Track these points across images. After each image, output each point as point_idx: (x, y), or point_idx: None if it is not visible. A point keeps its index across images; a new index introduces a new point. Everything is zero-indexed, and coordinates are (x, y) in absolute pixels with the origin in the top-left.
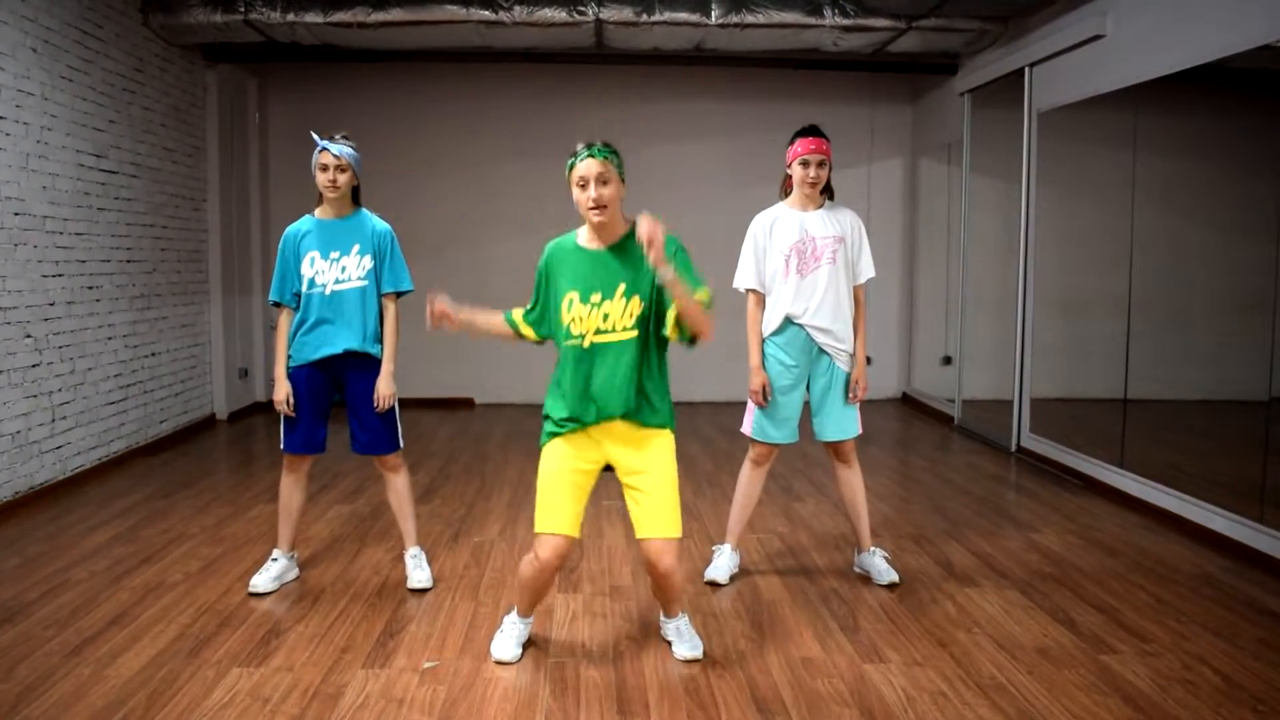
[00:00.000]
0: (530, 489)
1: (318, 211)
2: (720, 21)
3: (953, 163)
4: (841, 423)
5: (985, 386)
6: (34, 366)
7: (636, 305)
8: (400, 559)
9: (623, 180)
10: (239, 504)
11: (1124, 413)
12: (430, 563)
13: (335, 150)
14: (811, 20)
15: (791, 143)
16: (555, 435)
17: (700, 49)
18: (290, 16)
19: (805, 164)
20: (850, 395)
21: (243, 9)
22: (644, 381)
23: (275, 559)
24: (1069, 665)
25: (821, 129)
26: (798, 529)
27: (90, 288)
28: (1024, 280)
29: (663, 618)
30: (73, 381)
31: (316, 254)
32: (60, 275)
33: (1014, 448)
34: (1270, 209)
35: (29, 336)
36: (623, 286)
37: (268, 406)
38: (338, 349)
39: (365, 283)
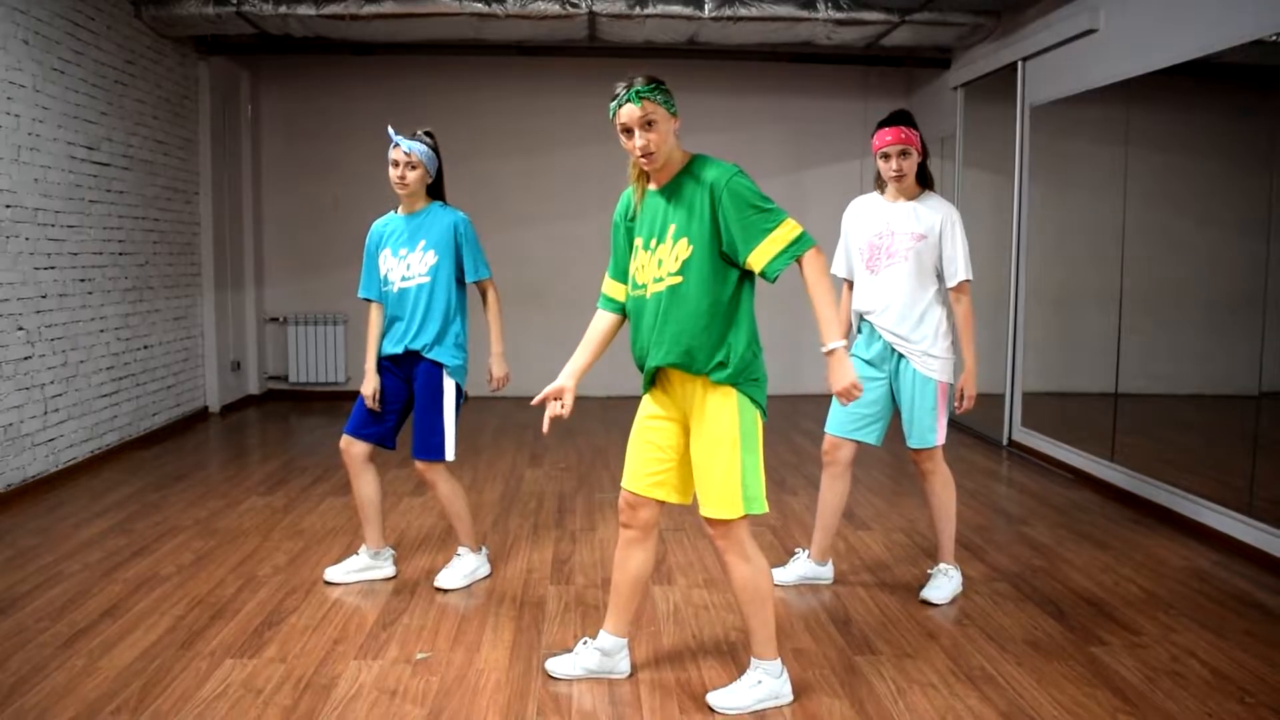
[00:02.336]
0: (520, 481)
1: (399, 207)
2: (713, 15)
3: (945, 157)
4: (916, 429)
5: (974, 388)
6: (26, 359)
7: (684, 248)
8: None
9: (674, 114)
10: (232, 497)
11: (1115, 407)
12: (421, 555)
13: (405, 146)
14: (804, 14)
15: (873, 135)
16: (644, 391)
17: (694, 42)
18: (282, 9)
19: (885, 156)
20: (958, 404)
21: (235, 1)
22: (694, 330)
23: (358, 554)
24: (1058, 657)
25: (906, 114)
26: (789, 521)
27: (82, 280)
28: (1016, 274)
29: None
30: (65, 374)
31: (388, 251)
32: (52, 268)
33: (1005, 441)
34: (1261, 204)
35: (21, 329)
36: (673, 228)
37: (260, 399)
38: (399, 349)
39: (428, 279)
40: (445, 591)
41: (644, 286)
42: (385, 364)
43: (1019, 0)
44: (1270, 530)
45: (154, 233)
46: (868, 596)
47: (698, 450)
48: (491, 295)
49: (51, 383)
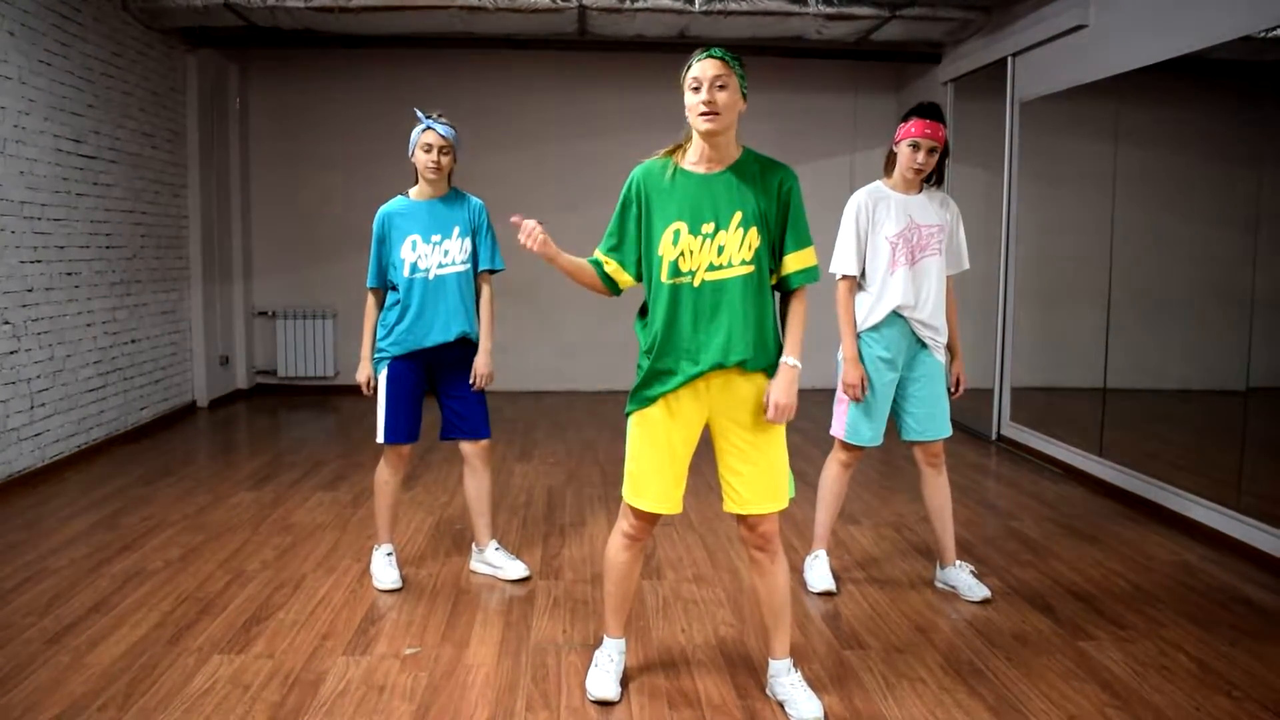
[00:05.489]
0: (510, 476)
1: (412, 192)
2: (704, 8)
3: None
4: (940, 420)
5: (966, 375)
6: (12, 353)
7: (754, 237)
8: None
9: (744, 94)
10: (219, 491)
11: (1103, 402)
12: (408, 552)
13: (442, 131)
14: (795, 8)
15: (905, 119)
16: (651, 400)
17: (684, 36)
18: (271, 1)
19: (915, 147)
20: (953, 390)
21: None
22: (763, 322)
23: (390, 552)
24: (1047, 652)
25: (941, 110)
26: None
27: (69, 274)
28: (1005, 269)
29: (772, 665)
30: (52, 368)
31: (418, 237)
32: (39, 261)
33: (994, 436)
34: (1249, 200)
35: (7, 323)
36: (739, 215)
37: (249, 393)
38: (451, 335)
39: (466, 266)
40: (526, 580)
41: (690, 274)
42: (414, 359)
43: None
44: (1258, 525)
45: (141, 226)
46: (857, 591)
47: (751, 448)
48: (489, 289)
49: (38, 377)
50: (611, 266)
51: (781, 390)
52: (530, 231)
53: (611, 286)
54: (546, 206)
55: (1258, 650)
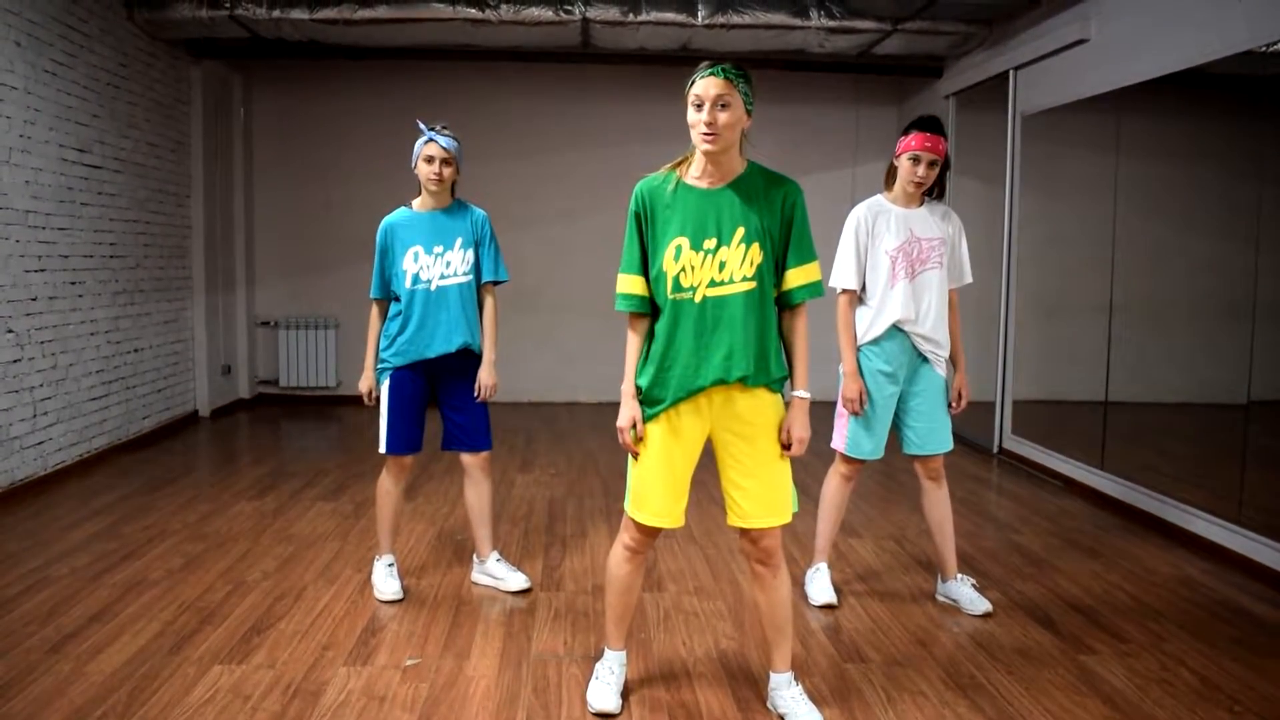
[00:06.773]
0: (511, 486)
1: (415, 203)
2: (707, 22)
3: None
4: (941, 434)
5: (969, 389)
6: (15, 362)
7: (756, 253)
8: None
9: (749, 110)
10: (221, 501)
11: (1105, 415)
12: (409, 563)
13: (444, 143)
14: (797, 21)
15: (906, 133)
16: (652, 414)
17: (687, 49)
18: (276, 12)
19: (915, 160)
20: (954, 404)
21: (228, 4)
22: (764, 339)
23: (391, 563)
24: (1048, 665)
25: (941, 123)
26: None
27: (73, 283)
28: (1007, 282)
29: (773, 677)
30: (55, 377)
31: (419, 248)
32: (43, 270)
33: (995, 449)
34: (1250, 213)
35: (10, 331)
36: (741, 231)
37: (251, 403)
38: (453, 347)
39: (469, 278)
40: (527, 592)
41: (691, 289)
42: (415, 369)
43: (1011, 9)
44: (1259, 539)
45: (145, 235)
46: (858, 604)
47: (753, 462)
48: (493, 301)
49: (41, 385)
50: (641, 284)
51: (799, 424)
52: (626, 440)
53: (648, 307)
54: (549, 217)
55: (1259, 664)
